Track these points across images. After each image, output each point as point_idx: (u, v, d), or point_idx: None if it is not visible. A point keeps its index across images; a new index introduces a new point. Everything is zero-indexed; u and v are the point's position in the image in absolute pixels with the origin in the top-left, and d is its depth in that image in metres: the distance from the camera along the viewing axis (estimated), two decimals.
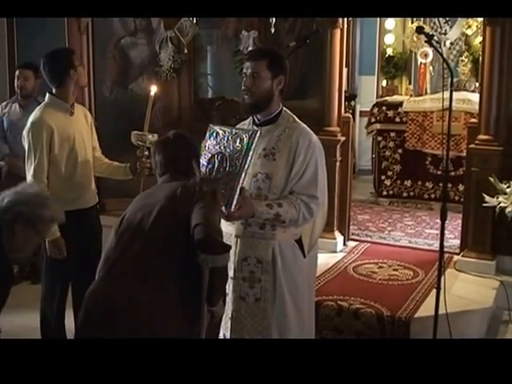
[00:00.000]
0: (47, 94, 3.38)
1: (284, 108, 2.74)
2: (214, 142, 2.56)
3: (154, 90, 3.16)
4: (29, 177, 3.24)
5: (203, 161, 2.59)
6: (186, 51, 5.33)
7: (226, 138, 2.52)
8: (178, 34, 5.31)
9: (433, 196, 6.35)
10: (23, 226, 2.36)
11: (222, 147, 2.52)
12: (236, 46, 5.19)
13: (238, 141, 2.49)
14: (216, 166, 2.53)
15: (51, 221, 2.48)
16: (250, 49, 4.84)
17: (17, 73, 4.74)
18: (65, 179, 3.33)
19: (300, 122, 2.73)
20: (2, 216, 2.35)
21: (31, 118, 3.32)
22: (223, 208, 2.44)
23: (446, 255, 4.53)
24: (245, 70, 2.67)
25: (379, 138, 6.54)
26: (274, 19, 4.62)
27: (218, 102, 5.29)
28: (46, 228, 2.47)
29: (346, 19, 4.82)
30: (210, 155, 2.57)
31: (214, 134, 2.59)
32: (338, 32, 4.72)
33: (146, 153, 3.23)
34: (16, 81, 4.73)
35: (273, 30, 4.68)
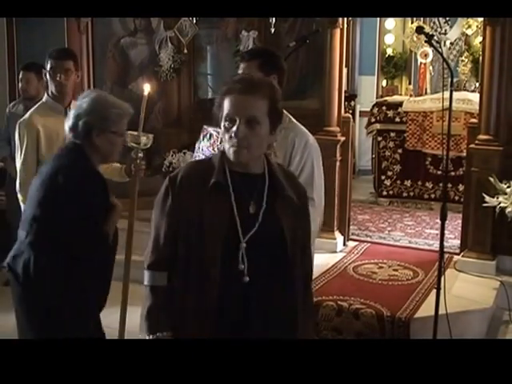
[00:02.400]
0: (45, 94, 3.44)
1: None
2: (208, 144, 2.56)
3: (147, 89, 3.11)
4: (18, 172, 3.32)
5: None
6: (185, 51, 5.33)
7: (219, 140, 2.51)
8: (177, 34, 5.31)
9: (433, 196, 6.35)
10: (99, 135, 2.43)
11: (215, 149, 2.51)
12: (236, 46, 5.20)
13: None
14: None
15: (121, 116, 2.51)
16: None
17: (20, 75, 4.73)
18: None
19: (296, 122, 2.71)
20: (75, 136, 2.44)
21: (20, 119, 3.40)
22: None
23: (446, 255, 4.53)
24: (238, 72, 2.66)
25: (379, 138, 6.54)
26: (273, 19, 4.62)
27: None
28: (121, 125, 2.51)
29: (345, 19, 4.82)
30: (203, 157, 2.55)
31: (208, 135, 2.58)
32: (337, 32, 4.72)
33: (141, 154, 3.12)
34: (20, 83, 4.72)
35: (273, 30, 4.69)
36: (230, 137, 1.86)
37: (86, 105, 2.49)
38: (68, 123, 2.52)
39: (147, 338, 1.95)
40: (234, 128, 1.85)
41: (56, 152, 2.71)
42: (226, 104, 1.87)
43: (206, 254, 1.87)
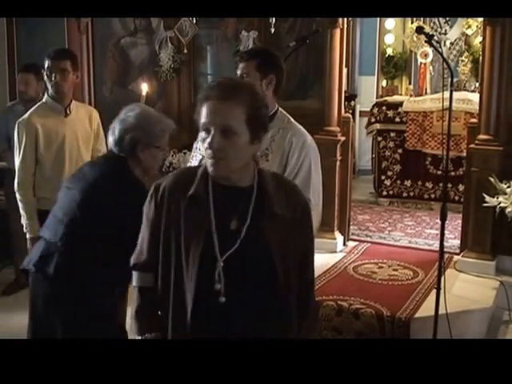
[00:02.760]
0: (45, 94, 3.45)
1: (280, 109, 2.72)
2: None
3: (145, 89, 3.14)
4: (16, 171, 3.36)
5: (194, 162, 2.58)
6: (185, 51, 5.34)
7: None
8: (177, 34, 5.32)
9: (433, 196, 6.36)
10: (143, 150, 2.50)
11: None
12: (236, 46, 5.20)
13: None
14: None
15: (165, 131, 2.57)
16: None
17: (18, 77, 4.67)
18: (49, 179, 3.35)
19: (295, 122, 2.69)
20: (120, 150, 2.50)
21: (20, 118, 3.41)
22: None
23: (446, 255, 4.53)
24: (237, 72, 2.66)
25: (379, 138, 6.54)
26: (273, 19, 4.62)
27: None
28: (164, 140, 2.57)
29: (345, 19, 4.82)
30: (200, 157, 2.55)
31: None
32: (337, 32, 4.72)
33: None
34: (18, 85, 4.68)
35: (273, 30, 4.69)
36: (206, 148, 1.74)
37: (133, 119, 2.52)
38: (113, 137, 2.55)
39: (137, 338, 1.93)
40: (209, 138, 1.72)
41: (95, 160, 2.74)
42: (202, 112, 1.75)
43: (183, 268, 1.79)
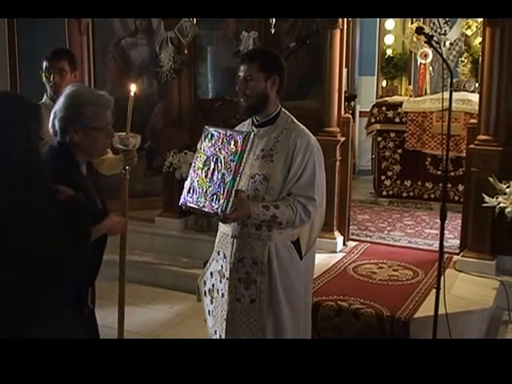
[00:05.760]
0: (44, 95, 3.46)
1: (283, 109, 2.73)
2: (209, 144, 2.56)
3: (133, 88, 3.04)
4: None
5: (199, 163, 2.58)
6: (186, 52, 5.34)
7: (220, 140, 2.52)
8: (178, 34, 5.32)
9: (432, 196, 6.37)
10: (77, 132, 2.32)
11: (216, 149, 2.52)
12: (236, 47, 5.20)
13: (233, 143, 2.48)
14: (212, 168, 2.53)
15: (99, 111, 2.37)
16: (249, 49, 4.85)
17: None
18: None
19: (298, 123, 2.72)
20: (55, 134, 2.35)
21: None
22: (219, 210, 2.44)
23: (446, 255, 4.54)
24: (239, 74, 2.65)
25: (379, 139, 6.55)
26: (274, 20, 4.63)
27: (218, 102, 5.29)
28: (100, 120, 2.36)
29: (345, 19, 4.83)
30: (205, 157, 2.56)
31: (210, 135, 2.58)
32: (337, 32, 4.73)
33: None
34: None
35: (273, 31, 4.68)
36: None
37: (61, 101, 2.36)
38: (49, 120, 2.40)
39: None
40: None
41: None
42: None
43: None
